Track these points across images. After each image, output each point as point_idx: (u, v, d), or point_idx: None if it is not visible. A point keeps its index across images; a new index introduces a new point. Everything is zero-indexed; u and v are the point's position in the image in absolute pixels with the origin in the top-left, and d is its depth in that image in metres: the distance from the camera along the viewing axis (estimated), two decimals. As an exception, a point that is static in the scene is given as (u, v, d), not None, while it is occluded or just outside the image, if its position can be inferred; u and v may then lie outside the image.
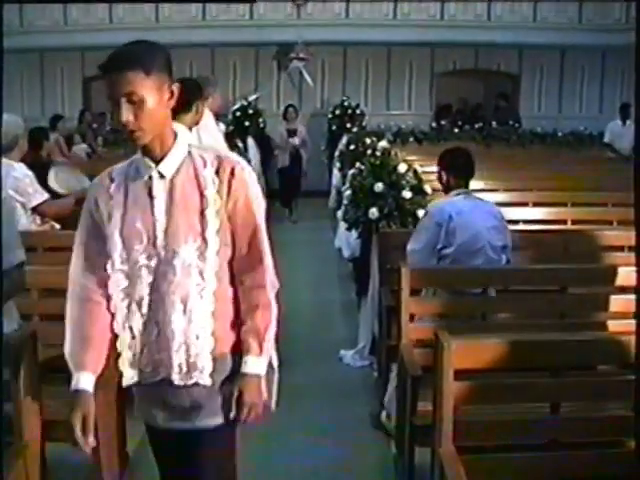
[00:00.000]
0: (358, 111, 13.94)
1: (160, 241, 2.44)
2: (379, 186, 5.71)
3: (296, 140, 12.47)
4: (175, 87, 2.46)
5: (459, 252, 4.38)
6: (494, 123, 14.75)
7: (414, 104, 15.44)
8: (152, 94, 2.35)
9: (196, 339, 2.48)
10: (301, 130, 12.74)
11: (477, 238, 4.37)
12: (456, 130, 14.57)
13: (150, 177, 2.45)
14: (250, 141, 11.84)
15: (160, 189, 2.45)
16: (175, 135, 2.51)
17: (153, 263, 2.46)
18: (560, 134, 14.22)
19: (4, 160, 4.46)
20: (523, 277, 4.38)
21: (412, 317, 4.17)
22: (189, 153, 2.50)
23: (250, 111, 13.07)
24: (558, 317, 4.30)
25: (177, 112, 4.82)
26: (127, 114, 2.31)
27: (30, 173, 4.90)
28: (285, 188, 12.68)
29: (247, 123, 12.74)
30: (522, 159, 11.06)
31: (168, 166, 2.45)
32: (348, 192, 6.24)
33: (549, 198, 6.71)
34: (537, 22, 14.59)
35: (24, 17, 14.16)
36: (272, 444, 4.56)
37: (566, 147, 13.55)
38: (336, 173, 11.21)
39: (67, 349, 2.61)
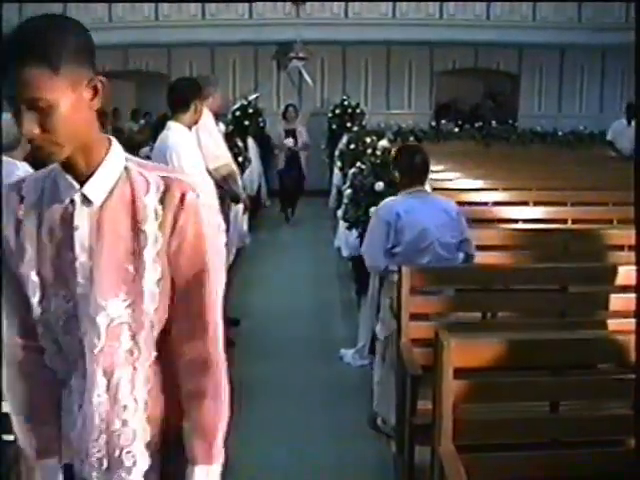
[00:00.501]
0: (358, 110, 13.95)
1: (81, 290, 1.80)
2: (380, 185, 5.71)
3: (290, 141, 11.88)
4: (100, 81, 1.74)
5: (407, 250, 4.42)
6: (494, 122, 14.81)
7: (414, 103, 15.46)
8: (65, 96, 1.67)
9: (123, 426, 1.87)
10: (300, 130, 12.19)
11: (425, 236, 4.39)
12: (456, 129, 14.60)
13: (72, 201, 1.80)
14: (250, 141, 11.83)
15: (84, 218, 1.80)
16: (108, 145, 1.83)
17: (75, 317, 1.83)
18: (560, 133, 14.25)
19: (8, 159, 4.44)
20: (523, 276, 4.38)
21: (412, 316, 4.17)
22: (126, 170, 1.84)
23: (250, 110, 13.02)
24: (558, 316, 4.31)
25: (175, 111, 4.87)
26: (30, 125, 1.65)
27: (33, 172, 4.89)
28: (283, 191, 12.24)
29: (247, 123, 12.68)
30: (522, 158, 11.06)
31: (96, 188, 1.80)
32: (349, 191, 6.25)
33: (549, 197, 6.70)
34: (537, 21, 14.61)
35: (23, 16, 14.16)
36: (271, 442, 4.57)
37: (566, 146, 13.57)
38: (336, 172, 11.22)
39: (17, 432, 2.00)
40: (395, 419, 4.46)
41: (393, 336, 4.56)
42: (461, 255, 4.52)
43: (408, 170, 4.60)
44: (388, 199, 4.81)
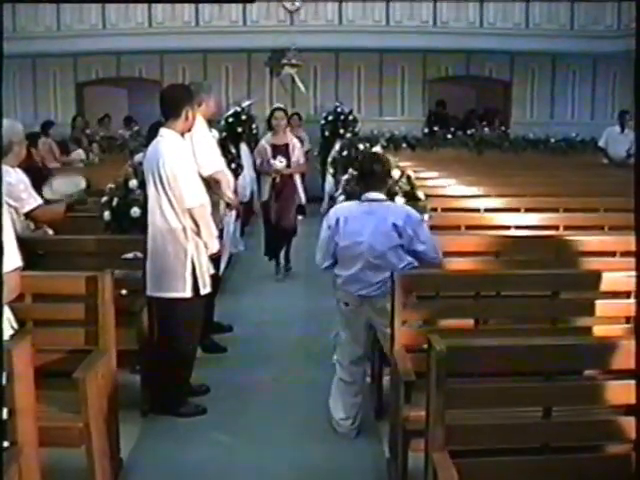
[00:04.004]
0: (351, 117, 13.96)
1: None
2: (372, 192, 5.70)
3: (278, 164, 8.24)
4: None
5: (341, 255, 4.57)
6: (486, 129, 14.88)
7: (407, 110, 15.49)
8: None
9: None
10: (294, 144, 8.58)
11: (356, 245, 4.47)
12: (449, 136, 14.63)
13: None
14: (243, 147, 11.79)
15: None
16: None
17: None
18: (552, 140, 14.30)
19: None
20: (515, 282, 4.39)
21: (404, 322, 4.19)
22: None
23: (243, 117, 12.96)
24: (550, 322, 4.33)
25: (167, 118, 4.87)
26: None
27: (25, 179, 4.90)
28: (269, 233, 8.68)
29: (240, 129, 12.61)
30: (514, 165, 11.11)
31: None
32: (341, 198, 6.25)
33: (541, 204, 6.73)
34: (529, 29, 14.69)
35: (17, 22, 14.17)
36: (264, 448, 4.57)
37: (558, 153, 13.62)
38: (329, 179, 11.22)
39: None
40: (343, 417, 4.72)
41: (339, 337, 4.75)
42: (402, 264, 4.49)
43: (365, 176, 4.68)
44: (340, 204, 4.84)
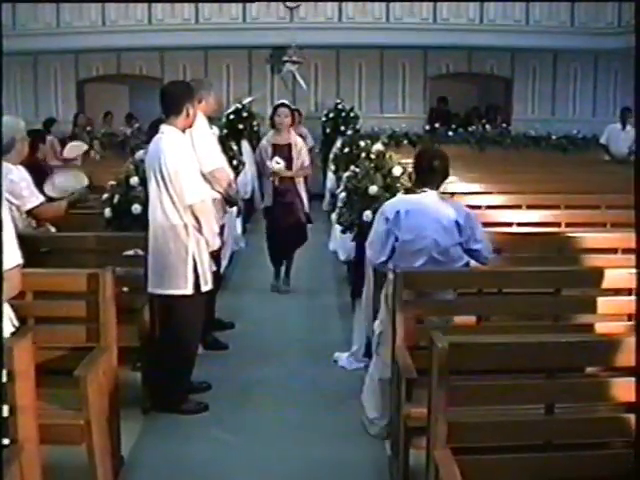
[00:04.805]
0: (352, 114, 13.98)
1: None
2: (374, 189, 5.72)
3: (274, 165, 7.48)
4: None
5: (402, 249, 4.44)
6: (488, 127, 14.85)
7: (408, 107, 15.49)
8: None
9: None
10: (296, 143, 7.80)
11: (421, 238, 4.39)
12: (450, 133, 14.61)
13: None
14: (245, 144, 11.79)
15: None
16: None
17: None
18: (553, 137, 14.28)
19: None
20: (517, 279, 4.39)
21: (407, 319, 4.18)
22: None
23: (244, 114, 12.96)
24: (552, 319, 4.32)
25: (167, 115, 4.87)
26: None
27: (27, 176, 4.90)
28: (274, 241, 8.01)
29: (241, 126, 12.61)
30: (516, 162, 11.10)
31: None
32: (343, 195, 6.24)
33: (543, 201, 6.73)
34: (530, 25, 14.66)
35: (17, 20, 14.15)
36: (266, 445, 4.57)
37: (559, 150, 13.61)
38: (330, 176, 11.22)
39: None
40: (377, 416, 4.59)
41: (384, 334, 4.56)
42: (462, 262, 4.48)
43: (416, 171, 4.62)
44: (397, 197, 4.78)
